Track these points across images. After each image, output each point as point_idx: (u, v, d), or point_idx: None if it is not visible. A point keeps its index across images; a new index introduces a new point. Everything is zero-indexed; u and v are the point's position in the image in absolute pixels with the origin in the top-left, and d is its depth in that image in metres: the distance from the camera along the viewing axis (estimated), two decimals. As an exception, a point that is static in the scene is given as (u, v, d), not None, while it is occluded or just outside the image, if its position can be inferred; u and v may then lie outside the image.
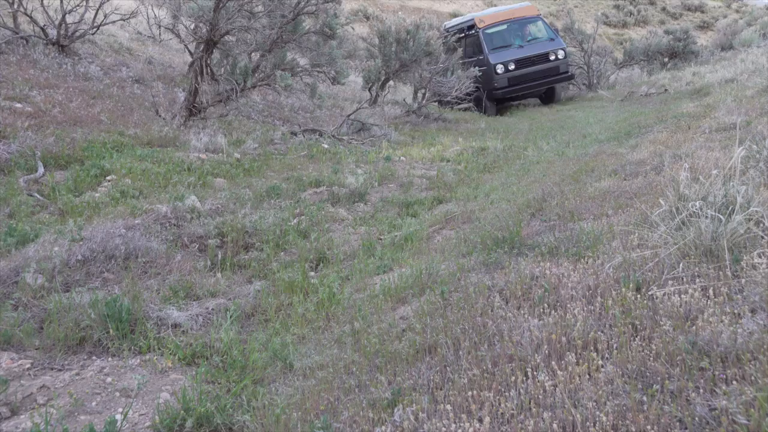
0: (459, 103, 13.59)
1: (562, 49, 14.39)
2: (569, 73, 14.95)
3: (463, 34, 15.04)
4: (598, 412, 1.79)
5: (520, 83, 14.13)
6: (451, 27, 15.77)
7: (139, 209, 4.81)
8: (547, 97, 15.45)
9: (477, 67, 13.75)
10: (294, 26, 8.44)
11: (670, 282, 2.50)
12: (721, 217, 2.56)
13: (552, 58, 14.22)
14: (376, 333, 2.80)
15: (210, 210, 5.04)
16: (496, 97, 14.38)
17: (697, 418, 1.70)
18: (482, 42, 14.44)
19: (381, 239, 4.81)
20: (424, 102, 12.92)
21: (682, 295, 2.33)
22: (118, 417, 2.38)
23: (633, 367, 1.99)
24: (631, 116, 9.13)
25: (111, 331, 3.03)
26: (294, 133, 9.23)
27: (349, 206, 5.85)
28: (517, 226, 3.91)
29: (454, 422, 1.90)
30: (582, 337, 2.22)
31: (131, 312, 3.14)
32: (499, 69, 13.99)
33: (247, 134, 8.44)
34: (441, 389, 2.14)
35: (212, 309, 3.46)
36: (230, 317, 3.27)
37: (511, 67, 14.01)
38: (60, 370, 2.79)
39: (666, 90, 12.32)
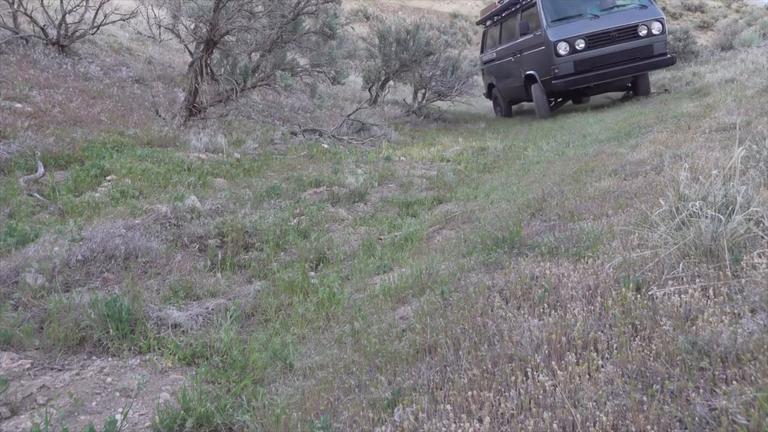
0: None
1: (658, 20, 10.21)
2: (668, 56, 10.44)
3: (517, 5, 11.72)
4: (598, 412, 1.79)
5: (593, 69, 10.10)
6: None
7: (139, 209, 4.81)
8: (635, 89, 11.28)
9: (531, 49, 10.70)
10: (294, 26, 8.45)
11: (670, 282, 2.50)
12: (721, 217, 2.55)
13: (643, 33, 10.09)
14: (376, 333, 2.80)
15: (210, 210, 5.04)
16: (557, 88, 10.41)
17: (697, 418, 1.70)
18: (540, 12, 10.51)
19: (381, 239, 4.81)
20: (424, 102, 12.92)
21: (682, 295, 2.33)
22: (118, 417, 2.38)
23: (633, 367, 1.99)
24: (631, 116, 9.12)
25: (111, 331, 3.03)
26: (294, 133, 9.23)
27: (349, 206, 5.85)
28: (517, 226, 3.91)
29: (454, 422, 1.90)
30: (582, 337, 2.22)
31: (131, 312, 3.13)
32: (562, 49, 10.10)
33: (247, 134, 8.44)
34: (441, 389, 2.14)
35: (212, 309, 3.46)
36: (230, 317, 3.27)
37: (580, 45, 10.06)
38: (60, 370, 2.79)
39: (666, 90, 12.30)
